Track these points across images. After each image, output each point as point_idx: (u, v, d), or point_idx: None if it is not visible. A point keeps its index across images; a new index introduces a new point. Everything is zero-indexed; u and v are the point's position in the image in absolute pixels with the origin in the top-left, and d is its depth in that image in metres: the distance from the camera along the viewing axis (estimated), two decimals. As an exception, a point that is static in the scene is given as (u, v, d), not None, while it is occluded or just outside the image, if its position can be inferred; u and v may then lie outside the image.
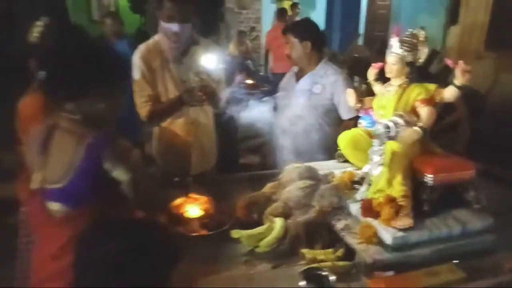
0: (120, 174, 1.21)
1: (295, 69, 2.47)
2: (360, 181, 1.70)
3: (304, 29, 2.37)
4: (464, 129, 3.51)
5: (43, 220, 1.25)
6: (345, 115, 2.33)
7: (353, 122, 2.12)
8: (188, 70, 2.19)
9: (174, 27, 2.02)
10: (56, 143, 1.22)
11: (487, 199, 1.55)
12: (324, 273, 1.18)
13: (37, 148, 1.23)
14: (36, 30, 1.56)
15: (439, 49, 5.66)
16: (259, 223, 1.58)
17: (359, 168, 1.80)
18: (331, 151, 2.11)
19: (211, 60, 2.11)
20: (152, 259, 0.91)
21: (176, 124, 2.26)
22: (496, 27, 5.73)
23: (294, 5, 7.53)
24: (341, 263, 1.36)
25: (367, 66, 1.84)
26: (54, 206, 1.23)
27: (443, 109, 3.67)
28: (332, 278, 1.15)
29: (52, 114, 1.25)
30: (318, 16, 8.02)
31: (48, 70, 1.26)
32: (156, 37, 2.16)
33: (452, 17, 5.81)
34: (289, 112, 2.26)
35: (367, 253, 1.32)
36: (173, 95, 2.17)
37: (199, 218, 1.71)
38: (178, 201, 1.72)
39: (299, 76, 2.41)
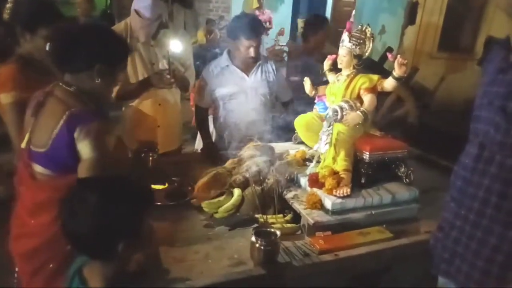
0: (83, 148, 1.22)
1: (225, 64, 2.37)
2: (311, 159, 1.92)
3: (264, 27, 2.46)
4: (412, 121, 3.84)
5: (25, 178, 1.32)
6: (284, 98, 2.55)
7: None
8: (157, 53, 2.29)
9: (145, 1, 2.09)
10: (46, 110, 1.29)
11: (421, 179, 1.81)
12: (272, 230, 1.37)
13: (30, 111, 1.30)
14: (8, 7, 1.61)
15: (397, 48, 6.03)
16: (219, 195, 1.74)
17: (311, 148, 2.01)
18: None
19: (179, 45, 2.22)
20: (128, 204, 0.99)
21: (144, 104, 2.37)
22: (449, 30, 6.18)
23: None
24: (289, 225, 1.57)
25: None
26: (37, 168, 1.30)
27: (393, 104, 3.98)
28: (278, 233, 1.34)
29: (27, 83, 1.31)
30: (286, 9, 8.22)
31: (54, 44, 1.32)
32: (128, 20, 2.24)
33: (410, 18, 6.18)
34: (251, 103, 2.36)
35: (311, 216, 1.53)
36: (142, 76, 2.27)
37: (163, 190, 1.87)
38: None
39: (245, 69, 2.38)
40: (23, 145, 1.32)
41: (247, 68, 2.37)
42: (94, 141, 1.23)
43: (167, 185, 1.90)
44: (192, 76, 2.49)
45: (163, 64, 2.26)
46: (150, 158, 2.01)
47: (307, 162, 1.92)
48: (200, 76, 2.48)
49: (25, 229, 1.33)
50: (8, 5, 1.62)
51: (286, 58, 6.25)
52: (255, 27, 2.26)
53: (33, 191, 1.32)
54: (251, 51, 2.24)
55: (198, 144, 2.98)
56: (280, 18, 7.53)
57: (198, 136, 3.17)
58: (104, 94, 1.41)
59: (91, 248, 0.99)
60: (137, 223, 1.02)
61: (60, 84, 1.31)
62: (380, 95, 1.86)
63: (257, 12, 7.43)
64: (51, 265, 1.26)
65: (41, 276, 1.28)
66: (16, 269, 1.44)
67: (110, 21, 5.43)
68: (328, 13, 7.46)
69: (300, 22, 3.53)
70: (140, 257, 1.11)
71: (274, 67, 2.46)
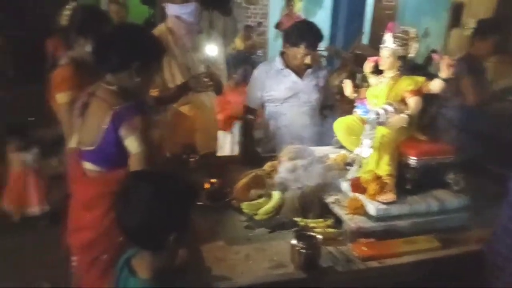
0: (131, 143, 1.27)
1: (280, 67, 2.37)
2: (352, 163, 1.87)
3: (323, 36, 2.40)
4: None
5: (77, 175, 1.40)
6: (327, 102, 2.54)
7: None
8: (193, 57, 2.34)
9: (188, 7, 2.16)
10: (91, 110, 1.36)
11: (471, 186, 1.72)
12: (313, 234, 1.34)
13: (76, 112, 1.38)
14: (66, 14, 1.72)
15: (442, 51, 5.79)
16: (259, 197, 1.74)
17: (352, 152, 1.96)
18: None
19: (216, 49, 2.27)
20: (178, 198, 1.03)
21: (183, 108, 2.43)
22: (498, 32, 5.86)
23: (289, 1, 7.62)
24: (330, 230, 1.54)
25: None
26: (87, 166, 1.38)
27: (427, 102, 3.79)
28: (319, 237, 1.32)
29: (80, 84, 1.39)
30: (324, 14, 8.15)
31: (94, 46, 1.41)
32: (169, 24, 2.29)
33: (454, 20, 5.93)
34: (302, 107, 2.38)
35: (353, 221, 1.49)
36: (179, 81, 2.31)
37: (205, 190, 1.89)
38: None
39: (299, 74, 2.38)
40: (72, 144, 1.39)
41: (301, 72, 2.39)
42: (140, 136, 1.28)
43: (208, 185, 1.92)
44: (224, 79, 2.53)
45: (198, 68, 2.31)
46: (191, 160, 2.06)
47: (348, 166, 1.88)
48: (251, 77, 2.52)
49: (81, 222, 1.40)
50: (66, 12, 1.73)
51: (324, 63, 6.21)
52: (316, 36, 2.29)
53: (85, 186, 1.39)
54: (308, 59, 2.27)
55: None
56: (318, 23, 7.48)
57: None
58: (143, 92, 1.47)
59: (145, 239, 1.02)
60: (188, 215, 1.06)
61: (102, 84, 1.37)
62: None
63: (286, 18, 7.45)
64: (105, 256, 1.32)
65: (96, 267, 1.35)
66: (73, 260, 1.51)
67: (153, 29, 5.62)
68: (368, 17, 7.32)
69: (471, 23, 3.33)
70: (183, 253, 1.13)
71: (325, 73, 2.49)
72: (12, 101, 3.66)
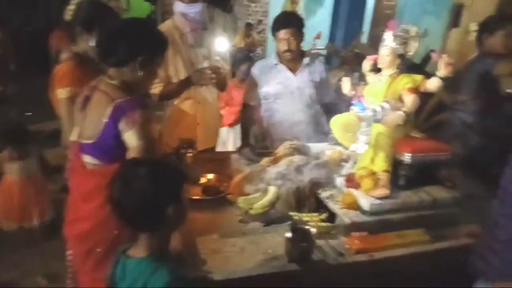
0: (130, 137, 1.28)
1: (273, 62, 2.40)
2: (347, 159, 1.89)
3: (301, 20, 2.40)
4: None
5: (76, 168, 1.42)
6: (326, 99, 2.52)
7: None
8: (197, 52, 2.36)
9: (196, 7, 2.17)
10: (92, 103, 1.37)
11: (464, 183, 1.75)
12: (307, 227, 1.37)
13: (78, 105, 1.40)
14: (70, 9, 1.73)
15: (439, 51, 5.80)
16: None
17: (348, 149, 1.98)
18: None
19: (219, 44, 2.28)
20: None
21: (185, 103, 2.44)
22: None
23: None
24: (323, 224, 1.56)
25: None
26: (87, 159, 1.39)
27: (435, 108, 3.81)
28: (313, 230, 1.34)
29: (82, 80, 1.41)
30: (325, 13, 8.15)
31: (99, 40, 1.43)
32: (175, 20, 2.28)
33: (455, 20, 5.93)
34: (296, 103, 2.38)
35: (347, 216, 1.51)
36: (183, 76, 2.33)
37: (201, 185, 1.92)
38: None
39: (292, 68, 2.39)
40: (74, 138, 1.41)
41: (294, 67, 2.39)
42: (139, 130, 1.29)
43: (204, 180, 1.95)
44: (228, 76, 2.55)
45: (203, 64, 2.32)
46: (188, 155, 2.07)
47: (343, 163, 1.90)
48: (249, 75, 2.55)
49: (79, 213, 1.41)
50: (71, 7, 1.73)
51: (323, 62, 6.25)
52: (283, 18, 2.32)
53: (84, 178, 1.41)
54: (284, 44, 2.28)
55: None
56: (318, 22, 7.50)
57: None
58: (144, 86, 1.49)
59: (143, 217, 1.04)
60: (181, 190, 1.09)
61: (104, 78, 1.38)
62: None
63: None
64: (99, 249, 1.34)
65: (91, 259, 1.36)
66: (69, 252, 1.53)
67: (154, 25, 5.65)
68: (368, 17, 7.33)
69: (473, 26, 3.20)
70: (178, 245, 1.15)
71: (322, 68, 2.46)
72: (14, 96, 3.66)
